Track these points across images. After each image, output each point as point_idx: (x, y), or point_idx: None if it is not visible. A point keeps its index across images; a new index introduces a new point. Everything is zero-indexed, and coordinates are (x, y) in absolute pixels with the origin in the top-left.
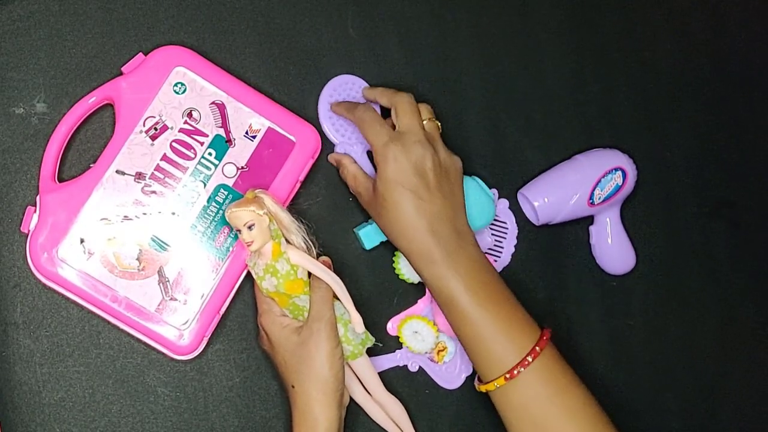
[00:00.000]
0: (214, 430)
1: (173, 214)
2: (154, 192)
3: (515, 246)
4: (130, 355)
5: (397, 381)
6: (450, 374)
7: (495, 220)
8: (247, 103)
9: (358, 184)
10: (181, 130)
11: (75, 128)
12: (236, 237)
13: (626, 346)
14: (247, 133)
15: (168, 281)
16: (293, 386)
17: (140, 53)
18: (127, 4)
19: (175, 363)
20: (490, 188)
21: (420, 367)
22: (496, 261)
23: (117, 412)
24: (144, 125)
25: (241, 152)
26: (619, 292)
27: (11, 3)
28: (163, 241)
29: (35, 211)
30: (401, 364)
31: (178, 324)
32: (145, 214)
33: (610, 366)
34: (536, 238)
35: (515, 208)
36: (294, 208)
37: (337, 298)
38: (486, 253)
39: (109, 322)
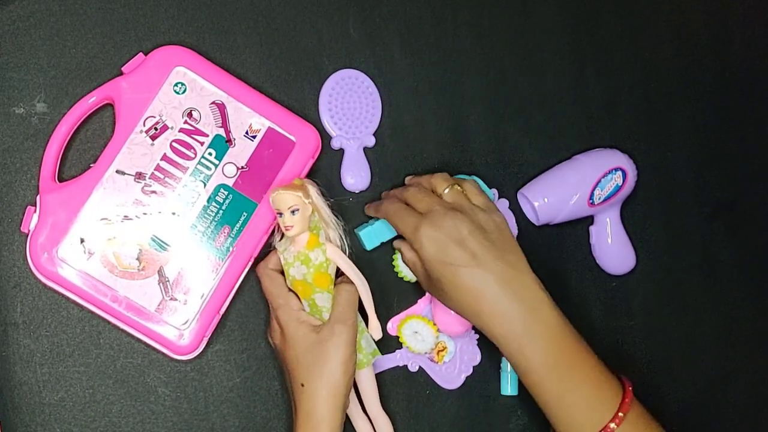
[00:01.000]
0: (214, 431)
1: (173, 214)
2: (154, 192)
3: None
4: (131, 355)
5: (397, 381)
6: (450, 374)
7: None
8: (247, 103)
9: (417, 271)
10: (181, 130)
11: (75, 128)
12: (236, 237)
13: (626, 346)
14: (247, 133)
15: (168, 281)
16: (303, 384)
17: (140, 53)
18: (127, 4)
19: (176, 363)
20: (490, 188)
21: (420, 367)
22: None
23: (117, 412)
24: (144, 125)
25: (241, 152)
26: (619, 292)
27: (11, 3)
28: (163, 241)
29: (35, 211)
30: (401, 364)
31: (179, 324)
32: (145, 214)
33: (610, 366)
34: (536, 238)
35: (515, 208)
36: (334, 204)
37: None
38: None
39: (109, 322)
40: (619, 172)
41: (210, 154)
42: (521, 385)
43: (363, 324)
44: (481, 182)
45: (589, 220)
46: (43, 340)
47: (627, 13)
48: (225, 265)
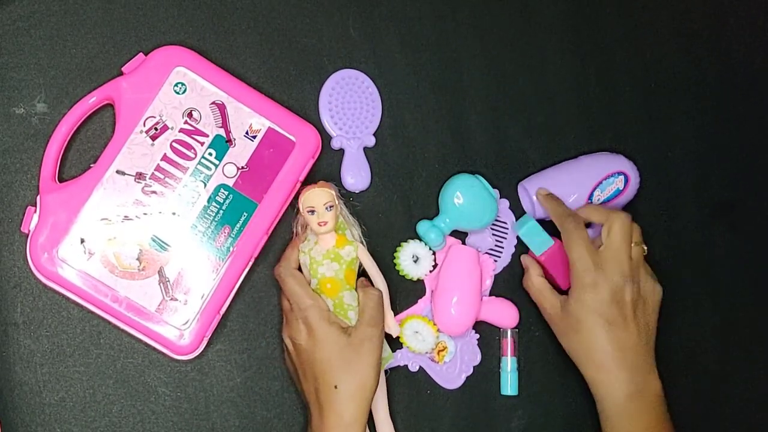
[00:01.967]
0: (214, 431)
1: (174, 214)
2: (154, 192)
3: (515, 246)
4: (131, 355)
5: (397, 381)
6: (450, 374)
7: (496, 219)
8: (247, 103)
9: (544, 300)
10: (181, 130)
11: (75, 128)
12: (236, 237)
13: None
14: (247, 133)
15: (168, 281)
16: (336, 386)
17: (140, 53)
18: (127, 4)
19: (176, 363)
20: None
21: (420, 367)
22: (496, 261)
23: (117, 413)
24: (144, 125)
25: (242, 152)
26: None
27: (11, 3)
28: (163, 241)
29: (35, 211)
30: (401, 364)
31: (179, 324)
32: (145, 214)
33: None
34: None
35: (516, 208)
36: (351, 204)
37: None
38: (486, 253)
39: (109, 323)
40: (622, 177)
41: (210, 154)
42: (521, 386)
43: None
44: (483, 180)
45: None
46: (44, 340)
47: (628, 12)
48: (225, 265)
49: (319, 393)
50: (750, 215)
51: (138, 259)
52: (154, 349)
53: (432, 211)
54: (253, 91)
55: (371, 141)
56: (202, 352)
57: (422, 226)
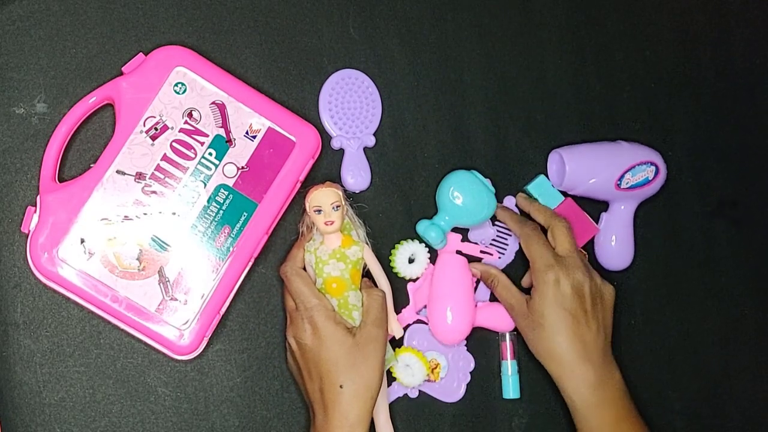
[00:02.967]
0: (214, 431)
1: (174, 214)
2: (154, 192)
3: (520, 244)
4: (131, 355)
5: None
6: (449, 388)
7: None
8: (247, 103)
9: (511, 296)
10: (181, 130)
11: (75, 128)
12: (236, 237)
13: (628, 344)
14: (247, 133)
15: (168, 281)
16: (341, 386)
17: (140, 53)
18: (127, 4)
19: (176, 363)
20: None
21: (420, 391)
22: (500, 258)
23: (117, 413)
24: (144, 125)
25: (242, 152)
26: (620, 291)
27: (11, 3)
28: (163, 241)
29: (35, 211)
30: (401, 395)
31: (179, 324)
32: (145, 214)
33: None
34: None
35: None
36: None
37: None
38: (490, 244)
39: (109, 323)
40: (653, 168)
41: (210, 154)
42: (523, 388)
43: None
44: (480, 176)
45: (603, 207)
46: (44, 340)
47: (628, 11)
48: (225, 265)
49: (324, 393)
50: (752, 212)
51: (138, 259)
52: (154, 349)
53: (432, 211)
54: (253, 91)
55: (371, 141)
56: (202, 352)
57: (421, 226)
